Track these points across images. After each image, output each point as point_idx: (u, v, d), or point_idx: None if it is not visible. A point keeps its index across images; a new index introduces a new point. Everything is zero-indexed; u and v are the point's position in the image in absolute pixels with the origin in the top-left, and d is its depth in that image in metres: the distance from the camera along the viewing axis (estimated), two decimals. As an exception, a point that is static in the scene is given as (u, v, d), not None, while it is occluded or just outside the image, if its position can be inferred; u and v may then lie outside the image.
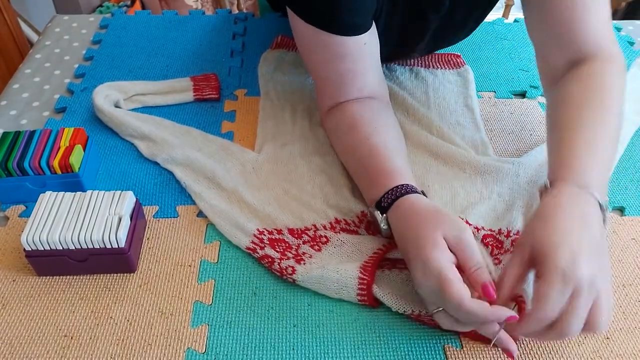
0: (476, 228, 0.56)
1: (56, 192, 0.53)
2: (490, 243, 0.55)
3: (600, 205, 0.46)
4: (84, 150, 0.60)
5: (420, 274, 0.45)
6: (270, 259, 0.53)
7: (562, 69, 0.59)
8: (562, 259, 0.41)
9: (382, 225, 0.52)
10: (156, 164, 0.65)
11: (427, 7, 0.64)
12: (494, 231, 0.56)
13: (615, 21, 0.98)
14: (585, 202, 0.46)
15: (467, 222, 0.57)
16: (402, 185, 0.52)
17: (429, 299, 0.46)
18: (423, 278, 0.44)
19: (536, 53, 0.62)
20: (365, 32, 0.59)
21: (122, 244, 0.50)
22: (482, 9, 0.69)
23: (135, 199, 0.55)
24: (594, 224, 0.45)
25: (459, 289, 0.42)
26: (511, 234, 0.55)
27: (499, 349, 0.47)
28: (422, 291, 0.46)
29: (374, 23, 0.60)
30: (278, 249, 0.54)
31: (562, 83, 0.58)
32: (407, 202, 0.50)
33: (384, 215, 0.52)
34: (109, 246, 0.50)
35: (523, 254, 0.45)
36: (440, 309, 0.44)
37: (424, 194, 0.53)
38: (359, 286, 0.49)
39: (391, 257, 0.53)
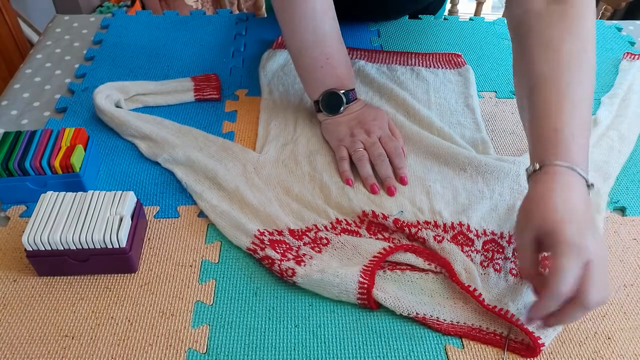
0: (476, 235, 0.56)
1: (57, 192, 0.53)
2: (491, 249, 0.55)
3: (586, 181, 0.48)
4: (85, 150, 0.60)
5: None
6: (270, 260, 0.53)
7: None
8: (571, 232, 0.43)
9: None
10: (157, 164, 0.65)
11: None
12: (495, 234, 0.56)
13: (615, 21, 0.98)
14: (575, 180, 0.47)
15: (468, 226, 0.56)
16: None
17: None
18: None
19: None
20: None
21: (123, 244, 0.50)
22: None
23: (136, 199, 0.55)
24: (586, 199, 0.47)
25: None
26: (512, 240, 0.55)
27: (499, 348, 0.47)
28: None
29: None
30: (278, 250, 0.53)
31: (542, 21, 0.54)
32: None
33: None
34: (110, 246, 0.50)
35: (526, 239, 0.46)
36: None
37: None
38: (359, 290, 0.49)
39: (392, 260, 0.53)
